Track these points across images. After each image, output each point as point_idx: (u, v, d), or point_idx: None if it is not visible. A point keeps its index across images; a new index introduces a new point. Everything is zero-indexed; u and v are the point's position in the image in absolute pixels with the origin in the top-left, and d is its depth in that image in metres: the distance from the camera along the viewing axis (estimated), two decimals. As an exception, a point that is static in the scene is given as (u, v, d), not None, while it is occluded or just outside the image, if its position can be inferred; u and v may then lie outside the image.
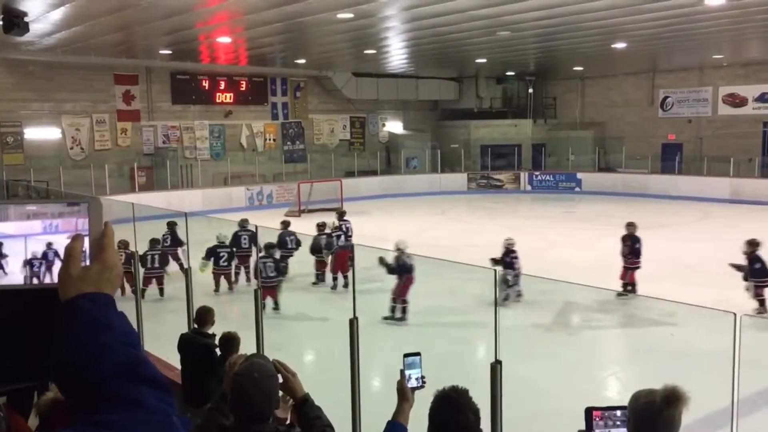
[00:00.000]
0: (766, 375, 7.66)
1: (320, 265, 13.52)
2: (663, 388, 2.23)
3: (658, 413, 2.18)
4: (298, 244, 13.37)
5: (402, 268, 10.63)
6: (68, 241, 1.13)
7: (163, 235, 13.69)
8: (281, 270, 11.60)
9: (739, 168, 26.04)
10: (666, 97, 29.98)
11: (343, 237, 13.79)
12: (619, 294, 11.36)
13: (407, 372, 2.94)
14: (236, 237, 13.05)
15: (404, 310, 10.74)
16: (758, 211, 22.46)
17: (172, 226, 13.71)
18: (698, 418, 7.11)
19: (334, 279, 13.00)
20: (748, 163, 26.38)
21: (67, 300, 1.08)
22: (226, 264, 12.51)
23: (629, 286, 11.59)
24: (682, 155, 28.73)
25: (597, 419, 2.41)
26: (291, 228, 14.08)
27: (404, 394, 2.89)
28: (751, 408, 6.65)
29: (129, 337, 1.08)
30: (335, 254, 13.18)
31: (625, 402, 2.44)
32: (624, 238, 12.19)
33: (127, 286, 9.95)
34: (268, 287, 10.47)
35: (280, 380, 2.77)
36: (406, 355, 2.96)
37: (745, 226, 18.13)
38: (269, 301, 10.50)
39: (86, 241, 1.14)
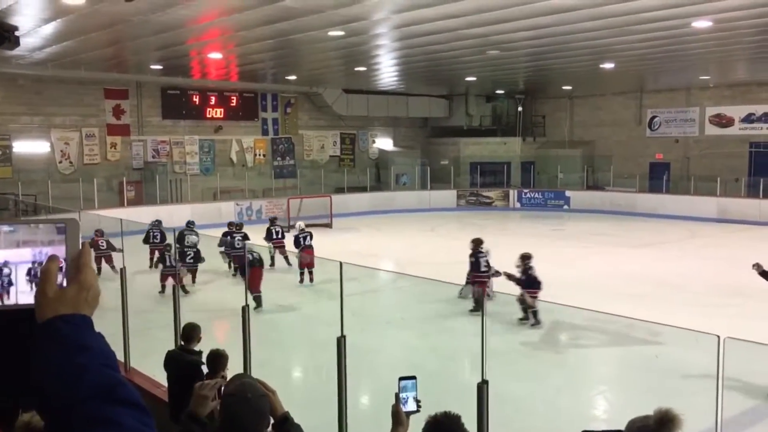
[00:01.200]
0: (751, 395, 7.71)
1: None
2: (657, 410, 2.24)
3: None
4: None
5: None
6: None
7: (152, 232, 16.24)
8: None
9: (725, 188, 26.27)
10: (654, 117, 30.27)
11: (309, 238, 15.87)
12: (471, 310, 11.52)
13: (402, 395, 2.93)
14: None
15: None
16: (745, 230, 22.65)
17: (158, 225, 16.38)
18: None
19: (301, 274, 14.94)
20: (734, 182, 26.62)
21: (44, 321, 1.08)
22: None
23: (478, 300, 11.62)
24: (670, 174, 28.97)
25: None
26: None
27: (399, 418, 2.87)
28: (736, 429, 6.68)
29: (106, 359, 1.07)
30: (301, 253, 15.28)
31: (613, 422, 2.46)
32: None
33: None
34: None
35: None
36: (401, 379, 2.95)
37: (732, 245, 18.28)
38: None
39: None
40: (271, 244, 16.49)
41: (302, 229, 16.06)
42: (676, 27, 14.57)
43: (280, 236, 17.12)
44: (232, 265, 15.58)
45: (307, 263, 14.86)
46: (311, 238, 15.83)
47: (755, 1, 12.11)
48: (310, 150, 30.16)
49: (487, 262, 12.34)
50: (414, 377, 2.94)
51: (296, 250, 15.44)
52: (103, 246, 14.48)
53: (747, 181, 26.53)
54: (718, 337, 3.20)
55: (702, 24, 14.13)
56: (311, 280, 14.73)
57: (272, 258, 16.18)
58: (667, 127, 29.86)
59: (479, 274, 12.14)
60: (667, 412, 2.20)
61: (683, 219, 24.68)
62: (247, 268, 10.48)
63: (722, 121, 28.20)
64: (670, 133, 29.75)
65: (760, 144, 27.01)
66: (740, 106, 27.57)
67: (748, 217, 24.28)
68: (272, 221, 17.89)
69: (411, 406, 2.91)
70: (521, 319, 11.11)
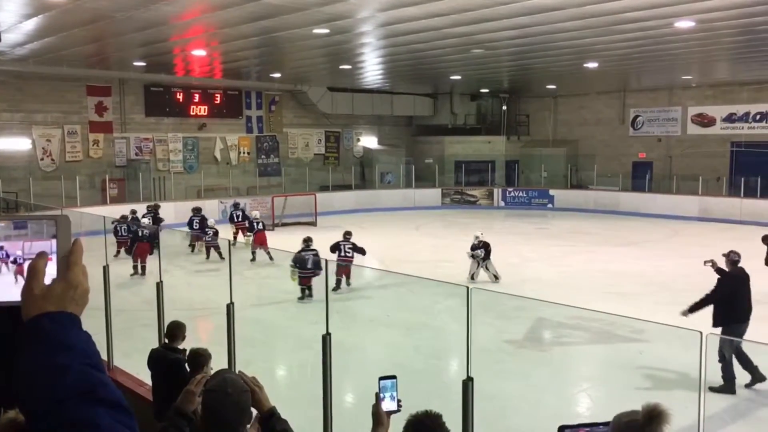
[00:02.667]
0: (735, 391, 7.78)
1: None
2: (645, 405, 2.24)
3: (639, 430, 2.19)
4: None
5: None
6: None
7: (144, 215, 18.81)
8: None
9: (707, 187, 26.52)
10: (637, 116, 30.50)
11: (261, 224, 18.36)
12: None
13: (382, 395, 2.92)
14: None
15: None
16: (726, 229, 22.87)
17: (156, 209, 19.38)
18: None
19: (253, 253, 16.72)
20: (716, 182, 26.88)
21: (29, 319, 1.07)
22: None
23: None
24: (652, 173, 29.20)
25: None
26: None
27: (379, 419, 2.86)
28: (718, 424, 6.74)
29: (90, 358, 1.06)
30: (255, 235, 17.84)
31: (596, 419, 2.46)
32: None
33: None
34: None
35: None
36: (381, 378, 2.94)
37: (714, 244, 18.43)
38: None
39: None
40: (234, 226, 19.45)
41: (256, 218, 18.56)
42: (659, 27, 14.68)
43: (240, 219, 19.85)
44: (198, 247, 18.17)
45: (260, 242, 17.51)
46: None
47: (737, 1, 12.23)
48: (294, 148, 30.08)
49: (352, 245, 14.12)
50: (394, 377, 2.93)
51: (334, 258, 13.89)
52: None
53: (728, 181, 26.80)
54: (701, 333, 3.22)
55: (684, 24, 14.24)
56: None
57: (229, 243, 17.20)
58: (650, 126, 30.10)
59: (342, 257, 13.71)
60: (655, 407, 2.21)
61: (666, 218, 24.90)
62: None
63: (704, 121, 28.46)
64: (653, 133, 29.99)
65: (741, 143, 27.29)
66: (722, 106, 27.84)
67: (730, 216, 24.53)
68: (235, 206, 20.85)
69: (391, 405, 2.90)
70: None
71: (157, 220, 18.90)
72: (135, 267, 14.86)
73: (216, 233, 17.34)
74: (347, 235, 14.59)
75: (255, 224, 18.25)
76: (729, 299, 8.08)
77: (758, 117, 26.94)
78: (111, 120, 24.72)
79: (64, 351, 1.04)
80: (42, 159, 23.32)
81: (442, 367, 8.99)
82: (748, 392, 7.97)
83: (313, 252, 13.40)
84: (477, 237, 14.95)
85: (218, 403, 2.52)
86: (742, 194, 25.08)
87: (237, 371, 2.86)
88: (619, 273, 15.29)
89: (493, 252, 14.97)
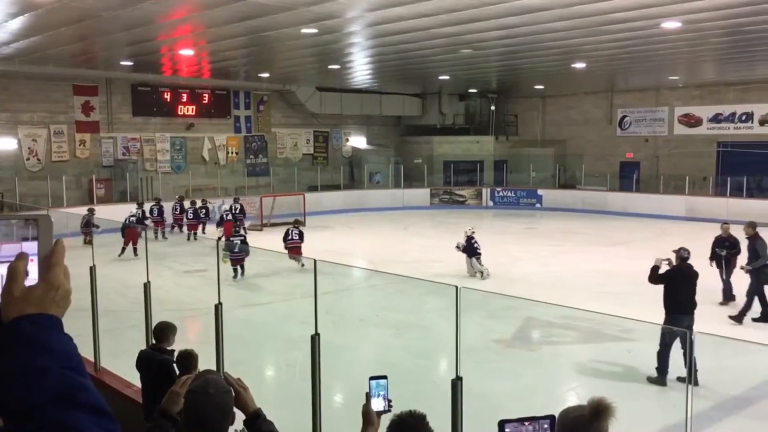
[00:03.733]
0: (721, 390, 7.84)
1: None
2: (590, 400, 2.28)
3: (587, 426, 2.23)
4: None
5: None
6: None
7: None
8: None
9: (694, 186, 26.69)
10: (624, 117, 30.65)
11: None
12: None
13: (373, 395, 2.91)
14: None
15: None
16: (713, 228, 22.96)
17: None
18: (655, 433, 7.23)
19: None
20: (702, 181, 27.06)
21: (9, 321, 1.05)
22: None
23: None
24: (640, 173, 29.36)
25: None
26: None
27: (369, 418, 2.85)
28: (706, 422, 6.78)
29: (71, 361, 1.04)
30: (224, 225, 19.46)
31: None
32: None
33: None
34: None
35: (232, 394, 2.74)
36: (371, 378, 2.93)
37: (700, 243, 18.55)
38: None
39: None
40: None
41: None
42: (646, 28, 14.75)
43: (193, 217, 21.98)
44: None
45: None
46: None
47: (723, 2, 12.31)
48: (283, 148, 30.02)
49: (299, 232, 16.62)
50: (385, 377, 2.92)
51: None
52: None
53: (715, 180, 26.99)
54: (687, 332, 3.23)
55: (671, 25, 14.32)
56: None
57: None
58: (637, 126, 30.26)
59: (290, 240, 16.32)
60: (600, 402, 2.25)
61: (653, 217, 25.04)
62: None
63: (691, 121, 28.65)
64: (640, 133, 30.16)
65: (727, 143, 27.49)
66: (708, 107, 28.04)
67: (716, 215, 24.60)
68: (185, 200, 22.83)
69: (382, 405, 2.89)
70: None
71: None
72: (124, 249, 16.62)
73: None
74: (296, 223, 17.58)
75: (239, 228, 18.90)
76: (671, 292, 8.47)
77: (744, 117, 27.15)
78: (98, 120, 24.57)
79: (43, 354, 1.02)
80: (28, 159, 23.14)
81: (431, 367, 8.99)
82: (735, 391, 8.03)
83: (241, 237, 16.56)
84: (467, 233, 15.63)
85: (200, 403, 2.51)
86: (728, 194, 25.25)
87: (223, 372, 2.84)
88: (608, 272, 15.35)
89: (483, 252, 15.03)
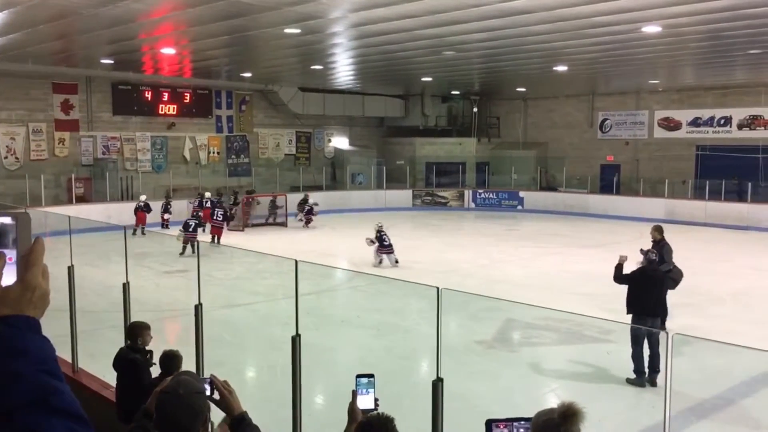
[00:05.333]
0: (700, 391, 7.92)
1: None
2: (560, 404, 2.31)
3: (556, 429, 2.26)
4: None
5: None
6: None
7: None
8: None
9: (673, 189, 26.97)
10: (605, 120, 30.90)
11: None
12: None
13: (360, 393, 2.91)
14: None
15: None
16: (691, 231, 23.27)
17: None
18: (633, 434, 7.29)
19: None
20: (681, 184, 27.35)
21: None
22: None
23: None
24: (620, 176, 29.62)
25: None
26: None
27: (355, 416, 2.85)
28: (684, 423, 6.85)
29: (45, 365, 1.02)
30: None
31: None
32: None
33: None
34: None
35: (217, 397, 2.71)
36: (358, 376, 2.93)
37: (679, 246, 18.75)
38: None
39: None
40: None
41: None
42: (627, 32, 14.89)
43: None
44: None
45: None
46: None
47: (702, 7, 12.45)
48: (265, 148, 29.91)
49: (224, 212, 20.61)
50: (372, 375, 2.92)
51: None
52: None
53: (693, 183, 27.29)
54: (667, 333, 3.26)
55: (651, 29, 14.46)
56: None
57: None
58: (618, 129, 30.53)
59: (214, 221, 19.91)
60: (570, 406, 2.28)
61: (633, 220, 25.22)
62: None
63: (670, 125, 28.95)
64: (621, 136, 30.42)
65: (706, 147, 27.81)
66: (687, 110, 28.35)
67: (695, 218, 24.97)
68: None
69: (368, 403, 2.89)
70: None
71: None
72: (135, 230, 19.70)
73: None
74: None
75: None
76: (633, 293, 8.59)
77: (722, 121, 27.48)
78: (77, 118, 24.32)
79: (17, 357, 1.00)
80: (6, 157, 22.85)
81: (412, 368, 9.00)
82: (713, 392, 8.12)
83: (196, 220, 19.06)
84: (376, 228, 17.05)
85: (169, 404, 2.47)
86: (706, 197, 25.54)
87: (209, 375, 2.81)
88: (588, 274, 15.45)
89: (463, 253, 15.09)
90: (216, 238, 19.89)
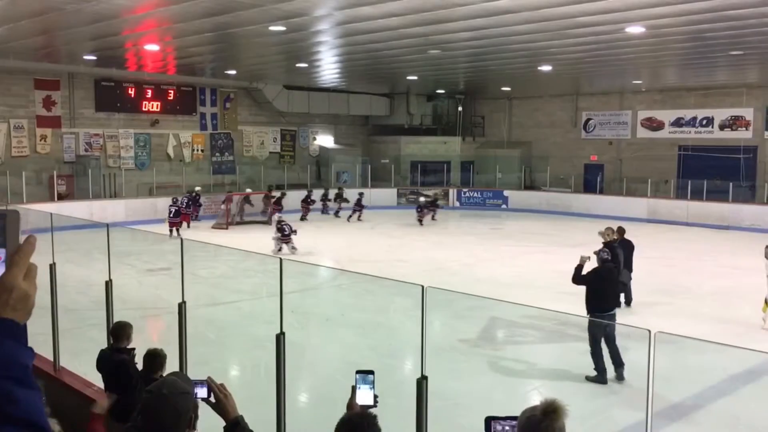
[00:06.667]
0: (681, 389, 8.00)
1: None
2: (543, 401, 2.35)
3: (538, 425, 2.29)
4: None
5: None
6: None
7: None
8: None
9: (656, 189, 27.18)
10: (589, 119, 31.09)
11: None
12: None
13: (359, 390, 2.90)
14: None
15: None
16: (673, 230, 23.50)
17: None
18: (614, 431, 7.35)
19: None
20: (664, 184, 27.57)
21: None
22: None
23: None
24: (604, 176, 29.81)
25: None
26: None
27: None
28: (665, 421, 6.91)
29: (9, 370, 0.98)
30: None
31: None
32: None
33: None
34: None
35: (213, 400, 2.70)
36: (358, 372, 2.92)
37: (661, 245, 18.93)
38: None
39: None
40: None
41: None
42: (610, 32, 14.99)
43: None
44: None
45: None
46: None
47: (685, 8, 12.56)
48: (249, 146, 29.79)
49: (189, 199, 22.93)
50: (371, 371, 2.92)
51: None
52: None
53: (676, 183, 27.53)
54: (649, 331, 3.29)
55: (635, 30, 14.57)
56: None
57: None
58: (601, 129, 30.72)
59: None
60: (551, 403, 2.32)
61: (616, 219, 25.29)
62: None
63: (653, 125, 29.18)
64: (604, 136, 30.62)
65: (688, 147, 28.07)
66: (670, 111, 28.60)
67: (677, 217, 25.20)
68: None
69: (368, 399, 2.89)
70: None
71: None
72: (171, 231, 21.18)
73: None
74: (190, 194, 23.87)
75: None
76: (592, 292, 8.91)
77: (704, 122, 27.74)
78: (59, 114, 24.10)
79: None
80: (-14, 154, 22.61)
81: (396, 366, 9.01)
82: (694, 390, 8.21)
83: (176, 207, 21.55)
84: (275, 219, 19.56)
85: (152, 404, 2.46)
86: (688, 197, 25.78)
87: (207, 377, 2.79)
88: (571, 273, 15.52)
89: (448, 251, 15.10)
90: (175, 230, 21.48)
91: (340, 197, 26.85)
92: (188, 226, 22.63)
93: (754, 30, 14.51)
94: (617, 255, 10.77)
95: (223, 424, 2.72)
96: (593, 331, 8.61)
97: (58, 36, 16.92)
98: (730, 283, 14.73)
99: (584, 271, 9.13)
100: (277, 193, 25.50)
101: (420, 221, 24.35)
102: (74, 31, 15.71)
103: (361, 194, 26.40)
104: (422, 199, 26.68)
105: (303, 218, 24.89)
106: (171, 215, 21.53)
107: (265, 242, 19.30)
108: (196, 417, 2.73)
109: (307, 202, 26.00)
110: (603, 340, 8.54)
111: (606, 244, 10.87)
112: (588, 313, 8.84)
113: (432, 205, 25.83)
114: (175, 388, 2.48)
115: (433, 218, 25.41)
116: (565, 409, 2.30)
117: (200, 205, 24.53)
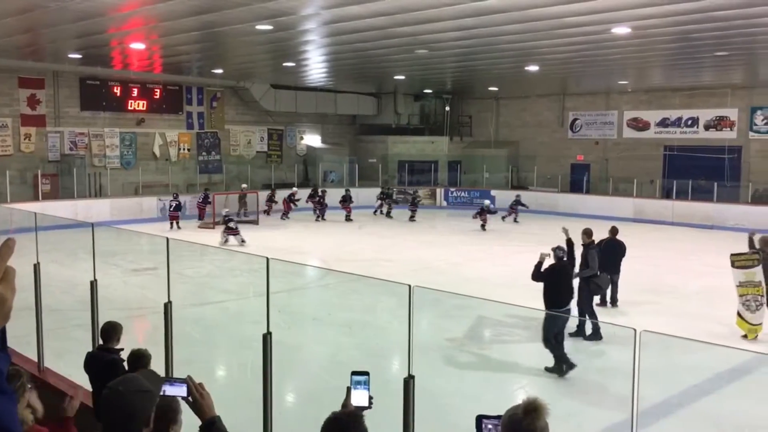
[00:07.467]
0: (666, 387, 8.05)
1: None
2: (524, 400, 2.37)
3: (519, 424, 2.31)
4: None
5: None
6: None
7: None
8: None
9: (641, 189, 27.35)
10: (575, 119, 31.23)
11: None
12: None
13: (354, 391, 2.89)
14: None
15: None
16: (659, 230, 23.66)
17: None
18: (599, 430, 7.38)
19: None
20: (649, 184, 27.75)
21: None
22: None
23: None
24: (590, 175, 29.96)
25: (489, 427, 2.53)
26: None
27: None
28: (651, 420, 6.95)
29: None
30: None
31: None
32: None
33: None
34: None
35: (191, 399, 2.68)
36: (353, 373, 2.91)
37: (647, 245, 19.04)
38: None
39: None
40: None
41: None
42: (597, 33, 15.06)
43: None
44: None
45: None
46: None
47: (671, 9, 12.64)
48: (236, 145, 29.69)
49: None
50: (366, 373, 2.91)
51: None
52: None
53: (661, 183, 27.71)
54: (635, 330, 3.31)
55: (621, 30, 14.64)
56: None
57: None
58: (588, 129, 30.87)
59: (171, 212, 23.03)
60: (532, 402, 2.34)
61: (602, 218, 25.46)
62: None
63: (639, 125, 29.35)
64: (591, 136, 30.77)
65: (673, 147, 28.26)
66: (656, 111, 28.78)
67: (662, 217, 25.37)
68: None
69: (363, 400, 2.88)
70: None
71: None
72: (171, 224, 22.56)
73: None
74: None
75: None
76: (548, 288, 9.16)
77: (690, 122, 27.94)
78: (44, 113, 23.91)
79: None
80: (-30, 152, 22.39)
81: (383, 366, 9.01)
82: (679, 388, 8.26)
83: (176, 201, 22.74)
84: (222, 213, 20.47)
85: (108, 401, 2.41)
86: (674, 196, 25.96)
87: (187, 376, 2.77)
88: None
89: (435, 250, 15.10)
90: (175, 223, 22.87)
91: (389, 197, 27.39)
92: (178, 227, 22.69)
93: (739, 31, 14.63)
94: (592, 258, 10.85)
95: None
96: (547, 326, 8.87)
97: (42, 34, 16.78)
98: (716, 283, 14.82)
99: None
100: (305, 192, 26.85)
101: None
102: (59, 29, 15.59)
103: (347, 192, 26.71)
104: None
105: (285, 216, 25.66)
106: (171, 209, 22.96)
107: (251, 242, 19.26)
108: (173, 413, 2.73)
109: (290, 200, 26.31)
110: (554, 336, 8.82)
111: (585, 246, 10.98)
112: (545, 308, 9.15)
113: (412, 204, 26.29)
114: (133, 385, 2.43)
115: (412, 218, 25.60)
116: (546, 408, 2.32)
117: (209, 203, 24.54)
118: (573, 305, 9.58)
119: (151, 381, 2.53)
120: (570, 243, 10.06)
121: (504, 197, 29.80)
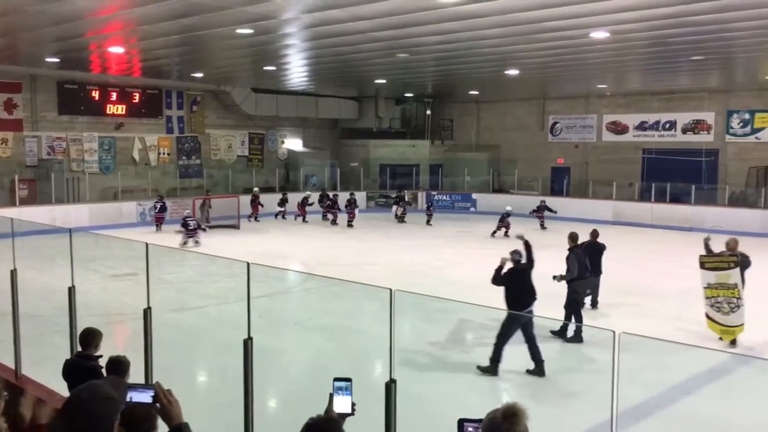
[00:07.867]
0: (644, 389, 8.12)
1: None
2: (504, 405, 2.38)
3: (498, 428, 2.32)
4: None
5: None
6: None
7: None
8: None
9: (621, 192, 27.59)
10: (555, 123, 31.46)
11: None
12: None
13: (336, 397, 2.88)
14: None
15: None
16: (638, 232, 23.88)
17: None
18: (580, 431, 7.42)
19: None
20: (629, 187, 28.01)
21: None
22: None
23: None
24: (570, 178, 30.18)
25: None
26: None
27: None
28: (630, 421, 7.00)
29: None
30: None
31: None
32: None
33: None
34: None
35: (158, 405, 2.66)
36: (336, 380, 2.91)
37: (626, 247, 19.20)
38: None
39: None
40: None
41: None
42: (576, 37, 15.18)
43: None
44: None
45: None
46: None
47: (648, 14, 12.78)
48: (217, 149, 29.54)
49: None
50: (349, 379, 2.90)
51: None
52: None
53: (640, 186, 27.97)
54: (614, 332, 3.34)
55: (599, 35, 14.77)
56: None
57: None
58: (568, 132, 31.11)
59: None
60: (511, 407, 2.36)
61: (582, 221, 25.63)
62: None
63: (618, 128, 29.64)
64: (570, 139, 31.02)
65: (651, 150, 28.57)
66: (634, 115, 29.08)
67: (641, 219, 25.61)
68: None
69: (345, 407, 2.87)
70: None
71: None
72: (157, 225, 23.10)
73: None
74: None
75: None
76: (510, 291, 9.42)
77: (667, 125, 28.26)
78: (21, 118, 23.64)
79: None
80: (-55, 157, 22.07)
81: (365, 370, 9.00)
82: (658, 390, 8.33)
83: (161, 203, 23.18)
84: (186, 217, 20.40)
85: (71, 408, 2.38)
86: (652, 199, 26.22)
87: (155, 382, 2.75)
88: (539, 275, 15.67)
89: (417, 254, 15.11)
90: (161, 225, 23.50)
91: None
92: (159, 229, 22.85)
93: (714, 35, 14.82)
94: (572, 262, 10.87)
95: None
96: (507, 326, 8.98)
97: (19, 38, 16.58)
98: (695, 284, 14.97)
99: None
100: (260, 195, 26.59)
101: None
102: (36, 33, 15.43)
103: (335, 195, 27.13)
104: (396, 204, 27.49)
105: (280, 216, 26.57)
106: (157, 210, 23.31)
107: (231, 246, 19.16)
108: (152, 420, 2.72)
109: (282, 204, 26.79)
110: (524, 338, 8.92)
111: (569, 250, 11.09)
112: (507, 308, 9.29)
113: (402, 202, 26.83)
114: (96, 392, 2.40)
115: (402, 219, 25.98)
116: (525, 412, 2.33)
117: (166, 209, 24.30)
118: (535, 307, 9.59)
119: (116, 388, 2.50)
120: (528, 246, 10.10)
121: (485, 201, 29.94)
